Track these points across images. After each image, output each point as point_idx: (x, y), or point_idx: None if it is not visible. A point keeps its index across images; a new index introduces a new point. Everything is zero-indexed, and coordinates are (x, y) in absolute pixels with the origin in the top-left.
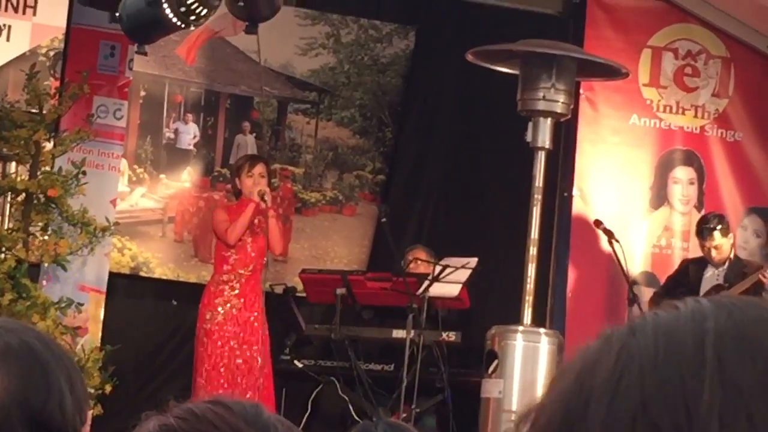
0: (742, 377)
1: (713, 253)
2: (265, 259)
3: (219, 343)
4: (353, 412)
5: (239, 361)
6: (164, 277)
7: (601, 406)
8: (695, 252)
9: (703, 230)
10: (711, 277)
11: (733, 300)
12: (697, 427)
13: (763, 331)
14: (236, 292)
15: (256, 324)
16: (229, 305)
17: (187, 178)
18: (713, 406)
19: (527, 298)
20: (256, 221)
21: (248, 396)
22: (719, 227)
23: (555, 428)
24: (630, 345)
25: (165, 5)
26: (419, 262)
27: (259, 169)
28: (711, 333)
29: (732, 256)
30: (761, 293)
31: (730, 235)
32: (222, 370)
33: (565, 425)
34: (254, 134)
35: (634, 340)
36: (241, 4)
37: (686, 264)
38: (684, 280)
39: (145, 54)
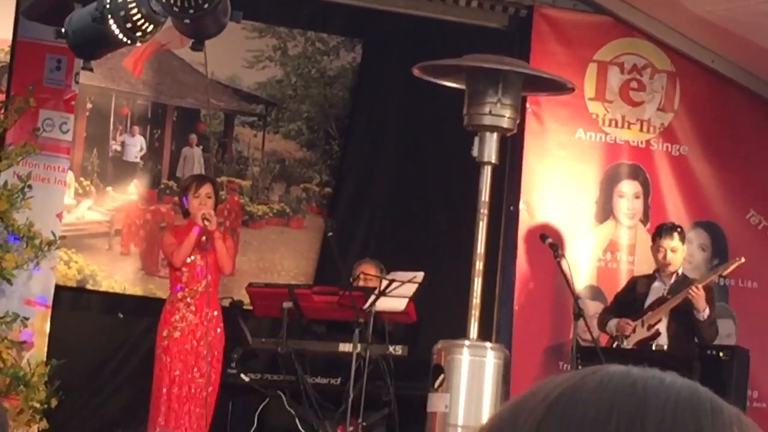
0: None
1: (669, 255)
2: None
3: (177, 359)
4: (300, 426)
5: (196, 374)
6: (111, 290)
7: None
8: (641, 266)
9: (663, 230)
10: (657, 288)
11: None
12: None
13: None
14: (192, 308)
15: (211, 338)
16: (184, 323)
17: (133, 190)
18: None
19: (473, 312)
20: (204, 239)
21: (200, 411)
22: (679, 230)
23: None
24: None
25: (111, 21)
26: (368, 276)
27: (206, 189)
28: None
29: (680, 272)
30: (692, 312)
31: (685, 246)
32: (182, 388)
33: None
34: (201, 147)
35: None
36: (187, 21)
37: (634, 281)
38: (630, 296)
39: (91, 70)
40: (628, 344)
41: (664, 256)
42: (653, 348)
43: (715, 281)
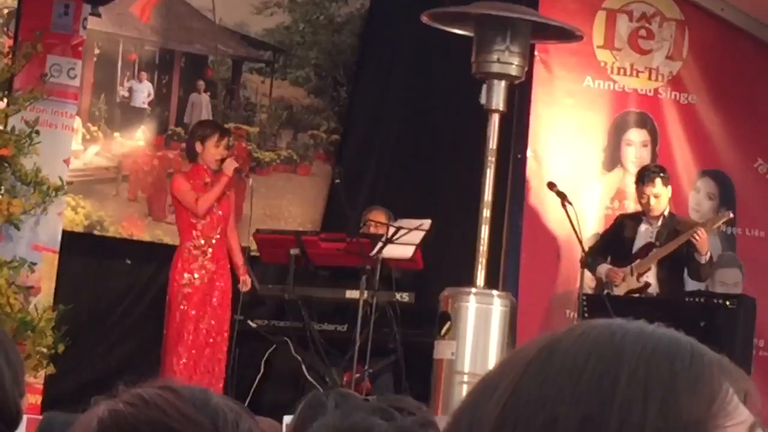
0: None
1: (652, 201)
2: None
3: (197, 306)
4: (306, 372)
5: (213, 322)
6: (118, 236)
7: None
8: None
9: (645, 175)
10: (645, 233)
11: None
12: None
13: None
14: (209, 256)
15: (224, 287)
16: (204, 271)
17: (141, 136)
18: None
19: (480, 260)
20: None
21: (216, 357)
22: (661, 175)
23: None
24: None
25: None
26: (376, 223)
27: (226, 142)
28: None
29: (666, 213)
30: (693, 255)
31: (669, 188)
32: (199, 335)
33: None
34: (209, 93)
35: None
36: None
37: (621, 219)
38: (618, 236)
39: (99, 16)
40: (618, 292)
41: (647, 203)
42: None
43: (708, 231)
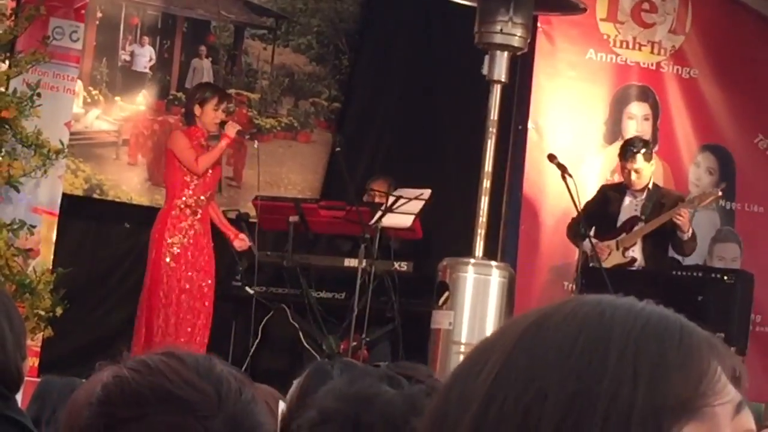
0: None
1: (633, 176)
2: (218, 185)
3: (185, 266)
4: (303, 340)
5: (198, 284)
6: (117, 200)
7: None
8: None
9: (627, 151)
10: (629, 206)
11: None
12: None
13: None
14: (198, 217)
15: (209, 250)
16: (193, 231)
17: (142, 100)
18: None
19: (479, 230)
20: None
21: (200, 321)
22: (643, 151)
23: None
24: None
25: None
26: (377, 192)
27: (224, 106)
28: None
29: (651, 185)
30: (675, 232)
31: (653, 162)
32: (182, 295)
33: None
34: (210, 59)
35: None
36: None
37: (604, 190)
38: (602, 208)
39: None
40: (606, 266)
41: (628, 177)
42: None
43: (695, 208)
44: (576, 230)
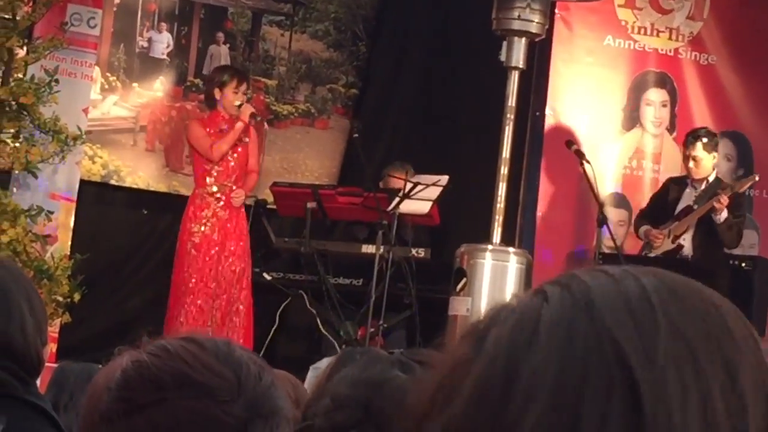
0: (686, 327)
1: (691, 164)
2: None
3: (206, 257)
4: (321, 326)
5: (230, 270)
6: (135, 186)
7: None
8: (666, 174)
9: (688, 137)
10: (687, 196)
11: (649, 268)
12: (654, 372)
13: (688, 287)
14: (221, 203)
15: (238, 234)
16: (215, 218)
17: (159, 87)
18: (668, 353)
19: (497, 217)
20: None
21: (234, 307)
22: (704, 140)
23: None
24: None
25: None
26: (394, 178)
27: (245, 87)
28: (649, 287)
29: (712, 178)
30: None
31: (714, 153)
32: (212, 284)
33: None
34: (228, 45)
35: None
36: None
37: (668, 183)
38: (663, 199)
39: None
40: (656, 254)
41: (687, 164)
42: (677, 257)
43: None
44: (636, 222)
